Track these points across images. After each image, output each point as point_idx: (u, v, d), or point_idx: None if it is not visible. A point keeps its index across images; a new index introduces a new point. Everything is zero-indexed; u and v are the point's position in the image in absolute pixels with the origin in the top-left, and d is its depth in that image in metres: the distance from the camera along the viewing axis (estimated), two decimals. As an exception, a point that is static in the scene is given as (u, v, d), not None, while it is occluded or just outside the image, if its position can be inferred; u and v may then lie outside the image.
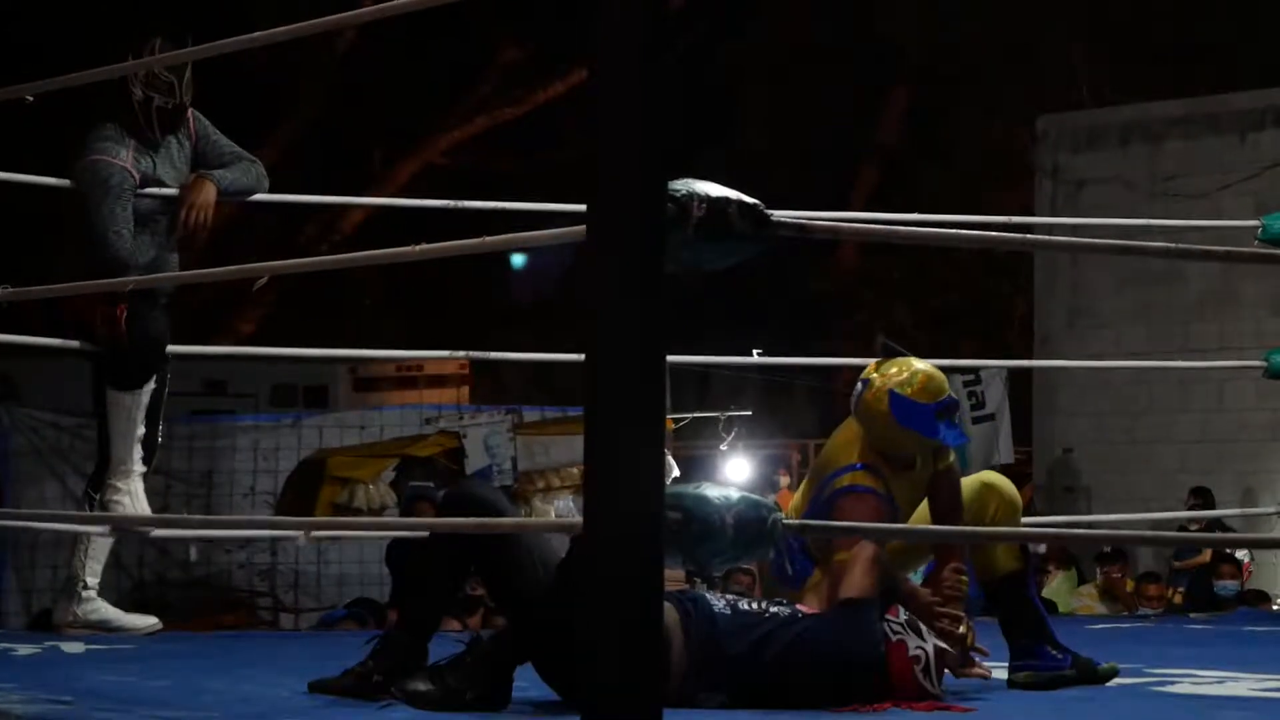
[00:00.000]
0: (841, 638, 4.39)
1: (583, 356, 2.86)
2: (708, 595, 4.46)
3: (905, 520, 5.00)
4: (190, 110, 6.79)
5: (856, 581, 4.48)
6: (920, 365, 4.95)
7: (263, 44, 4.74)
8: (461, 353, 7.42)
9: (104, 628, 6.65)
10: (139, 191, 6.65)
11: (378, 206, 17.25)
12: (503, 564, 4.32)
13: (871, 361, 5.09)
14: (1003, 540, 5.03)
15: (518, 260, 21.17)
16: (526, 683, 4.36)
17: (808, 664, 4.35)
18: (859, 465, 4.86)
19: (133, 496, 6.66)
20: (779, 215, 3.52)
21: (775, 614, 4.43)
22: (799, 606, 4.52)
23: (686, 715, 4.17)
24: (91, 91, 6.07)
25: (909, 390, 4.85)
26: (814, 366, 15.16)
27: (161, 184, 6.72)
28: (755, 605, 4.46)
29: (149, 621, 6.83)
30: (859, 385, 4.95)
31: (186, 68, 6.63)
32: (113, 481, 6.70)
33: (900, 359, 4.99)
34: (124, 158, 6.62)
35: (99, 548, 6.77)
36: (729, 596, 4.49)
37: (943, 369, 5.04)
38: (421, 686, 4.14)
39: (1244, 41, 17.93)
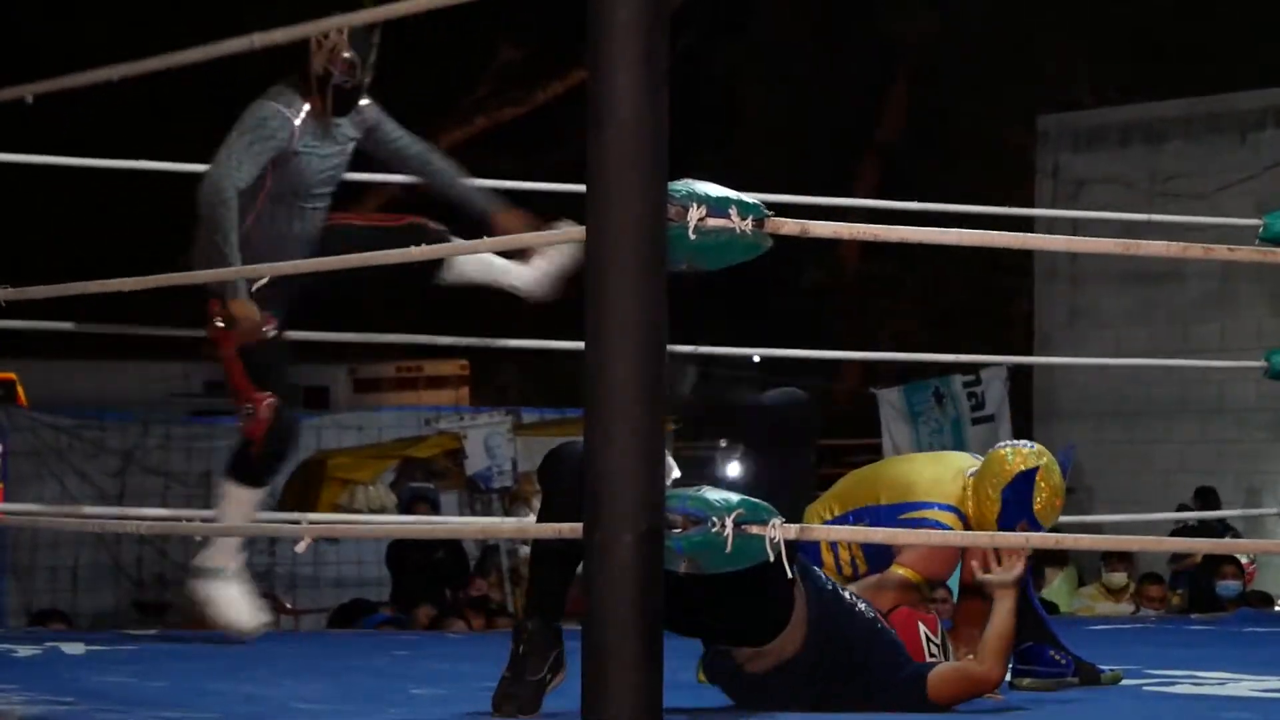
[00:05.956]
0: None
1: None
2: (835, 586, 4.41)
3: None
4: (370, 101, 6.30)
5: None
6: (1060, 493, 4.88)
7: (262, 46, 4.73)
8: (466, 340, 7.34)
9: (209, 609, 6.04)
10: (296, 150, 6.10)
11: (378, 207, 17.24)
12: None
13: (1060, 472, 4.95)
14: (1004, 543, 5.02)
15: None
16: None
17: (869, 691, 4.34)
18: (947, 507, 4.85)
19: (217, 604, 6.02)
20: (779, 215, 3.51)
21: (883, 632, 4.38)
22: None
23: (687, 715, 4.17)
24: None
25: (1044, 511, 4.81)
26: (815, 367, 15.17)
27: (322, 161, 6.24)
28: (862, 604, 4.42)
29: (258, 620, 6.14)
30: (1024, 468, 4.84)
31: (372, 50, 6.10)
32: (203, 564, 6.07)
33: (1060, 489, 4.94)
34: (293, 113, 6.08)
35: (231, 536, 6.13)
36: (847, 590, 4.43)
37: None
38: (517, 695, 4.00)
39: (1244, 41, 17.91)
